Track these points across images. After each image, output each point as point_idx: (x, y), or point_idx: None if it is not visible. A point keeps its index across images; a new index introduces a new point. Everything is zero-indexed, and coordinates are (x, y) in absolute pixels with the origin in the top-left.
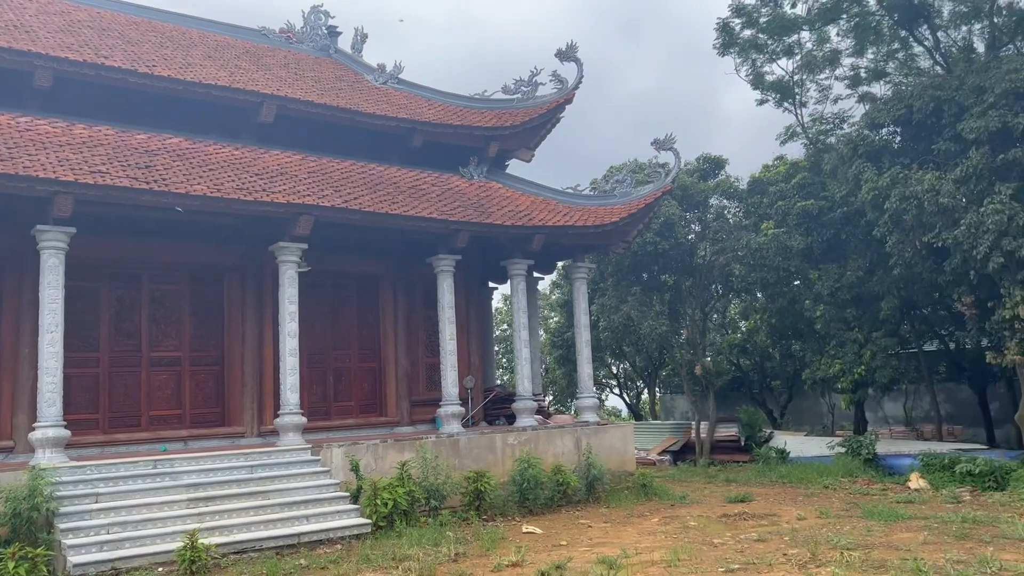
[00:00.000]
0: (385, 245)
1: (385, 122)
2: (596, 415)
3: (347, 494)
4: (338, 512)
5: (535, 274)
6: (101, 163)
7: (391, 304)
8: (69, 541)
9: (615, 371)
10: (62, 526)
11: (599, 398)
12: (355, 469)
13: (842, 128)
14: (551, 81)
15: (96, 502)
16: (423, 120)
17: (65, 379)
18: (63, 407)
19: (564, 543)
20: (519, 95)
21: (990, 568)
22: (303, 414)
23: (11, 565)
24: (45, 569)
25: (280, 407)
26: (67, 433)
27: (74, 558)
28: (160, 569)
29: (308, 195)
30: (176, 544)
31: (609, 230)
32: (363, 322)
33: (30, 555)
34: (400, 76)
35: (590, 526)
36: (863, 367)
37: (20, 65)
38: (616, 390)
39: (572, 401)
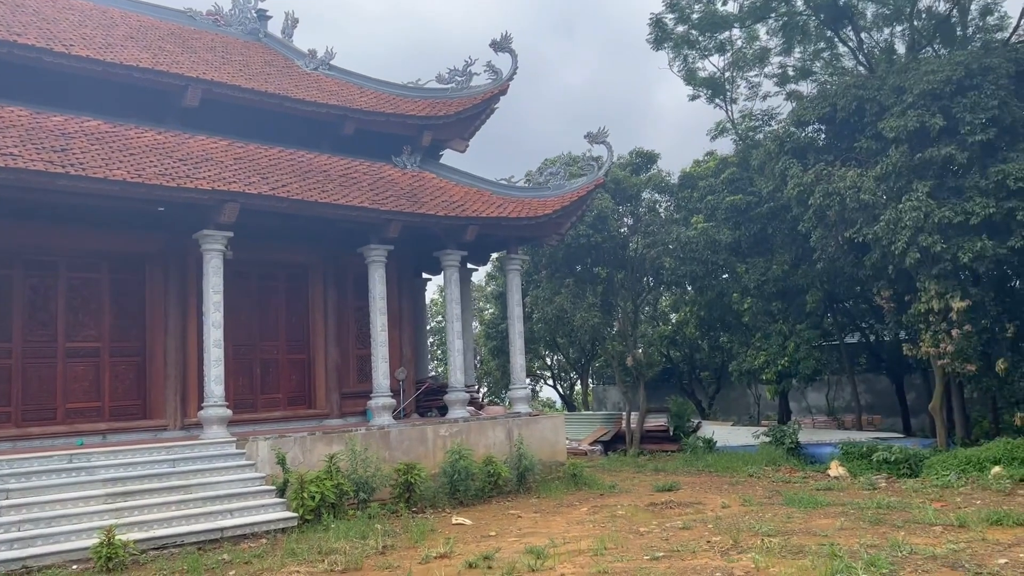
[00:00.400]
0: (315, 234)
1: (315, 108)
2: (529, 406)
3: (273, 487)
4: (263, 506)
5: (469, 265)
6: (13, 145)
7: (321, 294)
8: None
9: (549, 362)
10: None
11: (533, 389)
12: (281, 462)
13: (770, 125)
14: (486, 71)
15: (7, 498)
16: (355, 107)
17: None
18: None
19: (493, 534)
20: (453, 85)
21: (901, 552)
22: (228, 406)
23: None
24: None
25: (204, 399)
26: None
27: None
28: (75, 567)
29: (234, 182)
30: (92, 540)
31: (543, 222)
32: (292, 313)
33: None
34: (332, 63)
35: (520, 516)
36: (787, 358)
37: None
38: (550, 381)
39: (506, 392)
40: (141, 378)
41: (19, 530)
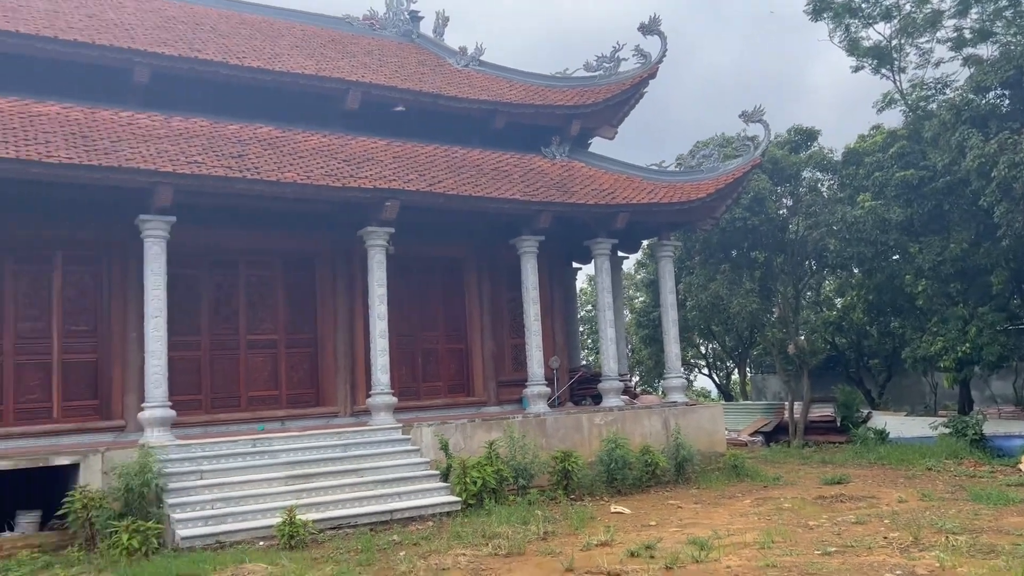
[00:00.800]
0: (469, 227)
1: (467, 105)
2: (684, 395)
3: (437, 472)
4: (429, 490)
5: (619, 253)
6: (197, 153)
7: (476, 286)
8: (177, 515)
9: (704, 351)
10: (170, 501)
11: (687, 378)
12: (444, 448)
13: (944, 93)
14: (634, 56)
15: (200, 479)
16: (505, 101)
17: (169, 362)
18: (169, 388)
19: (653, 523)
20: (601, 72)
21: None
22: (394, 394)
23: (125, 537)
24: (156, 541)
25: (371, 387)
26: (173, 413)
27: (182, 531)
28: (261, 543)
29: (394, 180)
30: (275, 519)
31: (696, 206)
32: (449, 304)
33: (142, 528)
34: (481, 58)
35: (680, 507)
36: (968, 344)
37: (121, 62)
38: (705, 370)
39: (659, 382)
40: (314, 368)
41: (212, 508)
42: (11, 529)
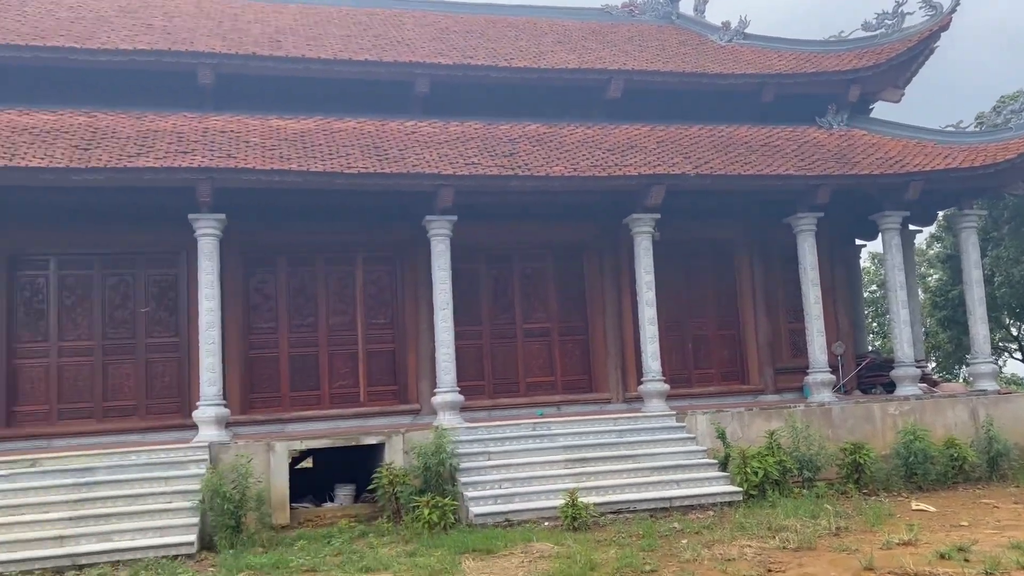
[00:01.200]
0: (738, 208)
1: (732, 81)
2: (995, 383)
3: (714, 461)
4: (707, 479)
5: (911, 227)
6: (473, 155)
7: (747, 268)
8: (469, 493)
9: (1015, 333)
10: (463, 480)
11: (996, 364)
12: (721, 436)
13: None
14: (921, 8)
15: (488, 460)
16: (773, 73)
17: (455, 350)
18: (456, 375)
19: (965, 524)
20: (882, 30)
21: None
22: (665, 381)
23: (426, 512)
24: (452, 517)
25: (642, 374)
26: (462, 398)
27: (475, 509)
28: (546, 523)
29: (659, 165)
30: (557, 501)
31: (1003, 169)
32: (719, 288)
33: (440, 504)
34: (746, 31)
35: (996, 507)
36: None
37: (404, 75)
38: (1017, 355)
39: (960, 368)
40: (585, 355)
41: (500, 488)
42: (332, 500)
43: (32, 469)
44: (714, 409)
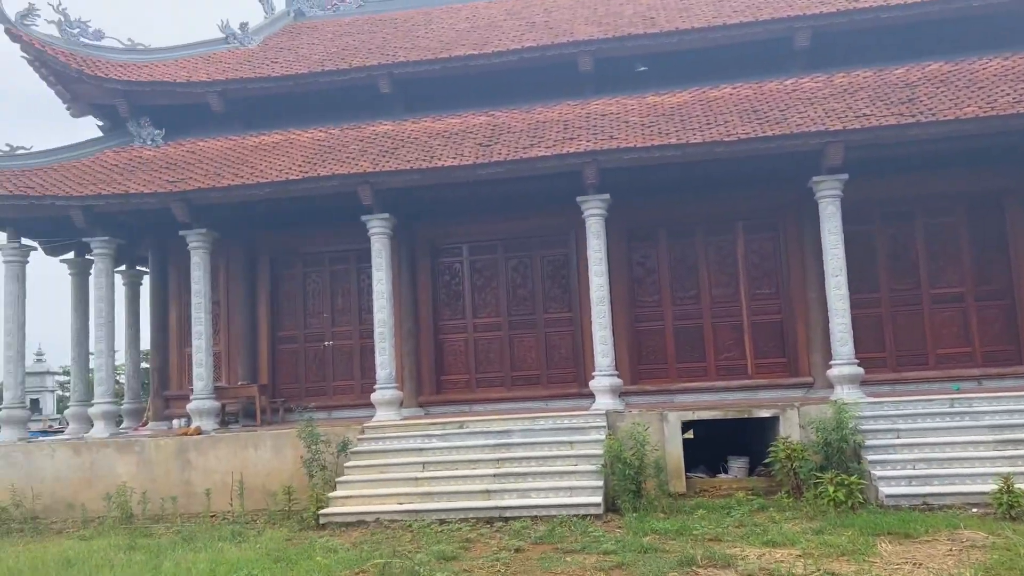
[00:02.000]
0: None
1: None
2: None
3: None
4: None
5: None
6: (864, 107)
7: None
8: (878, 472)
9: None
10: (869, 458)
11: None
12: None
13: None
14: None
15: (897, 437)
16: None
17: (851, 320)
18: (853, 347)
19: None
20: None
21: None
22: None
23: (831, 489)
24: (859, 496)
25: None
26: (861, 371)
27: (885, 489)
28: (974, 510)
29: None
30: (986, 486)
31: None
32: None
33: (845, 482)
34: None
35: None
36: None
37: (782, 32)
38: None
39: None
40: (1011, 322)
41: (914, 468)
42: (725, 472)
43: (461, 430)
44: None
